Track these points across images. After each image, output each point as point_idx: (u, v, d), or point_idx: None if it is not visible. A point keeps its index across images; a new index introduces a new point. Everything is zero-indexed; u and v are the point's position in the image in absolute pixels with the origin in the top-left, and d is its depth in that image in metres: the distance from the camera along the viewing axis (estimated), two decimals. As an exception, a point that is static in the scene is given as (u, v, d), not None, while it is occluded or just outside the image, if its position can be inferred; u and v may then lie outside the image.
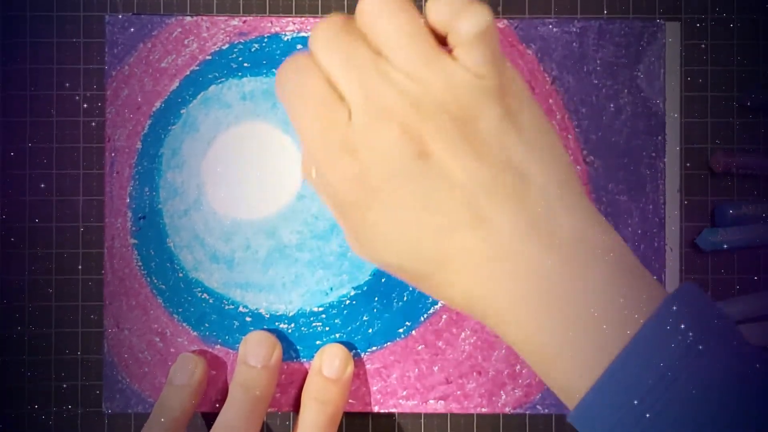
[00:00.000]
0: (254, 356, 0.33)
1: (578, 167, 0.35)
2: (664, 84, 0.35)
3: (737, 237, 0.35)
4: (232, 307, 0.35)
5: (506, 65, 0.25)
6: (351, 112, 0.24)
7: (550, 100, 0.35)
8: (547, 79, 0.35)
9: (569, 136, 0.35)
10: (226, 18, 0.35)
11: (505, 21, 0.35)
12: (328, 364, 0.33)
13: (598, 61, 0.35)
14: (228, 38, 0.35)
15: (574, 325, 0.22)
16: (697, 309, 0.22)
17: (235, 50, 0.35)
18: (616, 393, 0.21)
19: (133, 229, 0.35)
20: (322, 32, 0.25)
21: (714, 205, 0.36)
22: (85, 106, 0.35)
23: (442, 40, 0.25)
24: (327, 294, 0.35)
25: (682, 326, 0.21)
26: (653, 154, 0.35)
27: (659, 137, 0.35)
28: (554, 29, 0.35)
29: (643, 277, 0.23)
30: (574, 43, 0.35)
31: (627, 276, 0.23)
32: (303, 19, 0.35)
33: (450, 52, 0.24)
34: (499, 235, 0.23)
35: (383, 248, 0.24)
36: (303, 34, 0.35)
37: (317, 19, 0.35)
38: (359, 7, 0.25)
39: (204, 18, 0.35)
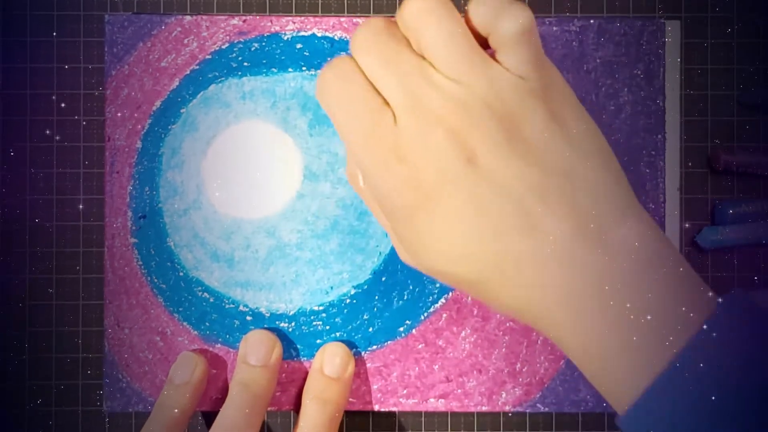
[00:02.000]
0: (254, 355, 0.33)
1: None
2: (664, 82, 0.35)
3: (737, 235, 0.35)
4: (232, 306, 0.35)
5: (550, 67, 0.25)
6: (396, 116, 0.24)
7: (550, 99, 0.35)
8: (547, 77, 0.35)
9: (569, 135, 0.35)
10: (226, 17, 0.35)
11: (505, 20, 0.35)
12: (329, 363, 0.33)
13: (598, 60, 0.35)
14: (228, 37, 0.35)
15: (628, 329, 0.22)
16: (754, 311, 0.22)
17: (235, 49, 0.35)
18: (680, 388, 0.21)
19: (134, 228, 0.35)
20: (363, 35, 0.25)
21: (714, 204, 0.36)
22: (85, 105, 0.35)
23: (483, 44, 0.25)
24: (327, 293, 0.35)
25: (744, 326, 0.21)
26: (653, 153, 0.35)
27: (659, 136, 0.35)
28: (554, 28, 0.35)
29: (697, 283, 0.23)
30: (574, 42, 0.35)
31: (681, 283, 0.23)
32: (303, 18, 0.35)
33: (492, 55, 0.24)
34: (550, 239, 0.23)
35: (435, 255, 0.24)
36: (303, 33, 0.35)
37: (317, 18, 0.35)
38: (402, 10, 0.24)
39: (204, 17, 0.35)
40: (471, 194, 0.23)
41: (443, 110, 0.23)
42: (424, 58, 0.24)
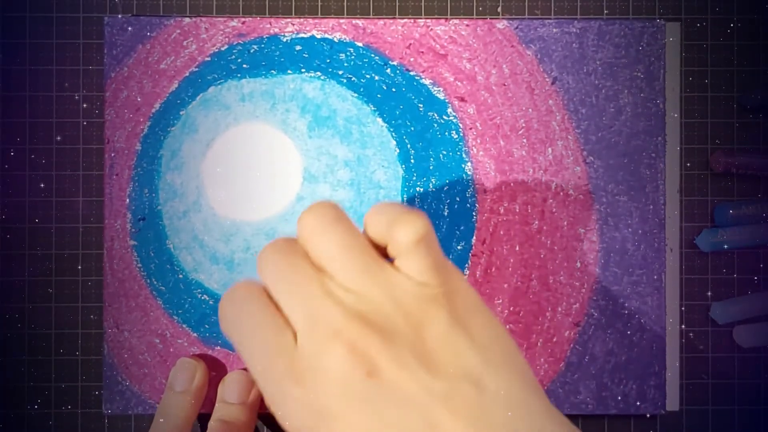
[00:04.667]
0: (231, 393, 0.32)
1: (578, 168, 0.35)
2: (664, 84, 0.35)
3: (737, 237, 0.35)
4: (231, 308, 0.35)
5: (452, 271, 0.25)
6: (296, 336, 0.23)
7: (550, 101, 0.35)
8: (547, 79, 0.35)
9: (569, 137, 0.35)
10: (225, 19, 0.35)
11: (505, 21, 0.35)
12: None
13: (598, 62, 0.35)
14: (227, 39, 0.35)
15: None
16: None
17: (234, 51, 0.35)
18: None
19: (133, 230, 0.35)
20: (266, 253, 0.24)
21: (714, 206, 0.36)
22: (84, 107, 0.35)
23: (384, 252, 0.25)
24: (327, 295, 0.35)
25: None
26: (653, 155, 0.35)
27: (659, 138, 0.35)
28: (554, 30, 0.35)
29: None
30: (574, 44, 0.35)
31: None
32: (302, 19, 0.35)
33: (393, 263, 0.24)
34: None
35: None
36: (302, 35, 0.35)
37: (316, 20, 0.35)
38: (297, 226, 0.25)
39: (203, 19, 0.35)
40: (374, 409, 0.22)
41: (341, 325, 0.22)
42: (324, 271, 0.24)
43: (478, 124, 0.35)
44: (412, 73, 0.35)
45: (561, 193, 0.35)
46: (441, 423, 0.22)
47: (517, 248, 0.35)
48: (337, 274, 0.24)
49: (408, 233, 0.24)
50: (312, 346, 0.23)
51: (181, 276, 0.35)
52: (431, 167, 0.35)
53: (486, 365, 0.23)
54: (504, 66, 0.35)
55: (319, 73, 0.35)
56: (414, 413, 0.22)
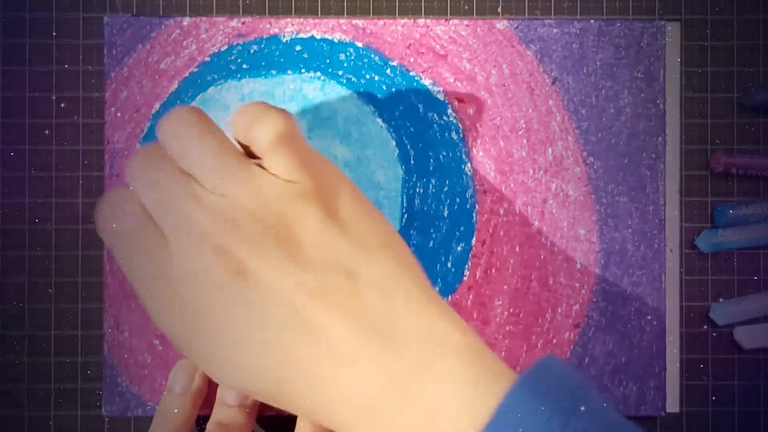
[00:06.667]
0: (230, 395, 0.32)
1: (578, 168, 0.35)
2: (664, 85, 0.35)
3: (737, 237, 0.35)
4: (231, 309, 0.35)
5: (322, 164, 0.25)
6: (169, 243, 0.23)
7: (550, 101, 0.35)
8: (547, 80, 0.35)
9: (569, 137, 0.35)
10: (225, 19, 0.35)
11: (505, 22, 0.35)
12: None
13: (598, 62, 0.35)
14: (227, 40, 0.35)
15: (425, 423, 0.21)
16: (555, 384, 0.21)
17: (234, 52, 0.35)
18: None
19: (133, 230, 0.35)
20: (134, 162, 0.24)
21: (714, 206, 0.36)
22: (84, 107, 0.35)
23: (252, 153, 0.25)
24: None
25: (540, 407, 0.20)
26: (653, 155, 0.35)
27: (659, 138, 0.35)
28: (554, 30, 0.35)
29: (494, 364, 0.22)
30: (574, 44, 0.35)
31: (477, 366, 0.22)
32: (302, 19, 0.35)
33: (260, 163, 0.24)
34: (336, 342, 0.22)
35: (226, 373, 0.23)
36: (302, 35, 0.35)
37: (317, 20, 0.35)
38: (158, 134, 0.24)
39: (202, 19, 0.35)
40: (246, 309, 0.22)
41: (209, 228, 0.22)
42: (190, 175, 0.24)
43: (478, 125, 0.35)
44: (411, 74, 0.35)
45: (561, 194, 0.35)
46: (314, 316, 0.22)
47: (517, 249, 0.35)
48: (202, 178, 0.23)
49: (267, 132, 0.23)
50: (181, 249, 0.23)
51: (180, 276, 0.35)
52: (431, 168, 0.35)
53: (360, 254, 0.23)
54: (504, 66, 0.35)
55: (318, 74, 0.35)
56: (286, 309, 0.22)
